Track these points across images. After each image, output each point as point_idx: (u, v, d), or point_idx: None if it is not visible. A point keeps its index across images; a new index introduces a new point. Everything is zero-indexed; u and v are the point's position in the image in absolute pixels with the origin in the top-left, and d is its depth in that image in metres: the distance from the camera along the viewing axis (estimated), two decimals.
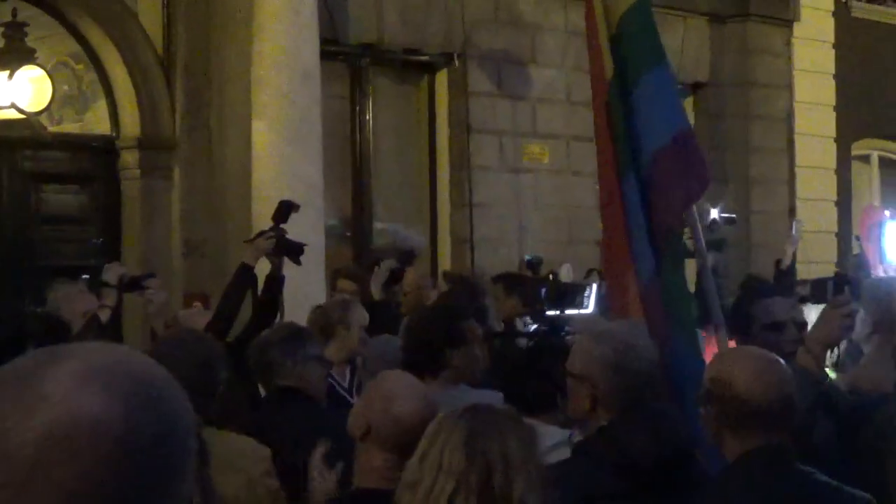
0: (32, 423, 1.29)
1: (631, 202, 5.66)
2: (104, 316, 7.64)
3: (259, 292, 7.39)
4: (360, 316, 7.16)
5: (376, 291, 8.87)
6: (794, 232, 12.65)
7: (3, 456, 1.29)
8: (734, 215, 12.74)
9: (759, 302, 5.23)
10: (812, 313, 6.26)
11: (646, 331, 4.72)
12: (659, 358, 4.48)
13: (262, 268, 7.54)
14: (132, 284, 8.01)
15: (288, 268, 7.67)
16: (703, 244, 5.97)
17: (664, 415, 4.23)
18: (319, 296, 9.39)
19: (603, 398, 4.21)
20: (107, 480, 1.29)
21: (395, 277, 9.16)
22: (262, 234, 7.55)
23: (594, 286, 10.15)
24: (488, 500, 3.07)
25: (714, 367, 3.95)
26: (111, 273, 7.93)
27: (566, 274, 11.75)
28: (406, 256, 10.31)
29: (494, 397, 4.97)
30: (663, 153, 5.64)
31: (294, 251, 7.52)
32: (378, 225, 12.82)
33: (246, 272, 7.39)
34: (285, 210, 7.63)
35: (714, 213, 12.18)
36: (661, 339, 4.97)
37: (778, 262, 12.54)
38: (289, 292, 8.00)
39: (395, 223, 12.03)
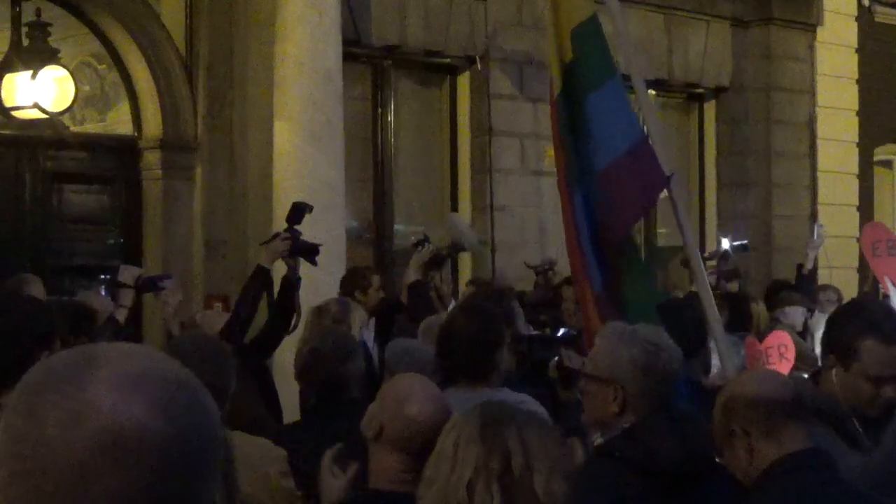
0: (79, 432, 1.31)
1: (579, 216, 5.79)
2: (121, 317, 7.68)
3: (276, 294, 7.41)
4: (360, 316, 7.22)
5: (415, 271, 8.88)
6: (815, 236, 12.61)
7: (52, 464, 1.30)
8: (746, 241, 12.70)
9: (869, 341, 4.26)
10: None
11: (663, 330, 4.70)
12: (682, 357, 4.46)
13: (282, 270, 7.57)
14: (148, 285, 8.04)
15: (309, 269, 7.69)
16: (704, 269, 6.02)
17: (688, 417, 4.21)
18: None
19: (632, 400, 4.19)
20: (152, 485, 1.31)
21: (436, 262, 9.17)
22: (276, 236, 7.57)
23: None
24: (509, 487, 3.05)
25: (722, 394, 3.85)
26: (127, 274, 7.97)
27: None
28: (454, 248, 10.31)
29: (531, 401, 4.99)
30: (615, 167, 5.71)
31: (309, 252, 7.53)
32: (399, 227, 12.83)
33: (262, 274, 7.41)
34: (299, 211, 7.64)
35: (725, 244, 12.16)
36: None
37: (800, 266, 12.50)
38: (310, 294, 8.01)
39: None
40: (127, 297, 7.88)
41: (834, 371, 4.29)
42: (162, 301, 8.15)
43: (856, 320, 4.33)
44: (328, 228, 9.83)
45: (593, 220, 5.86)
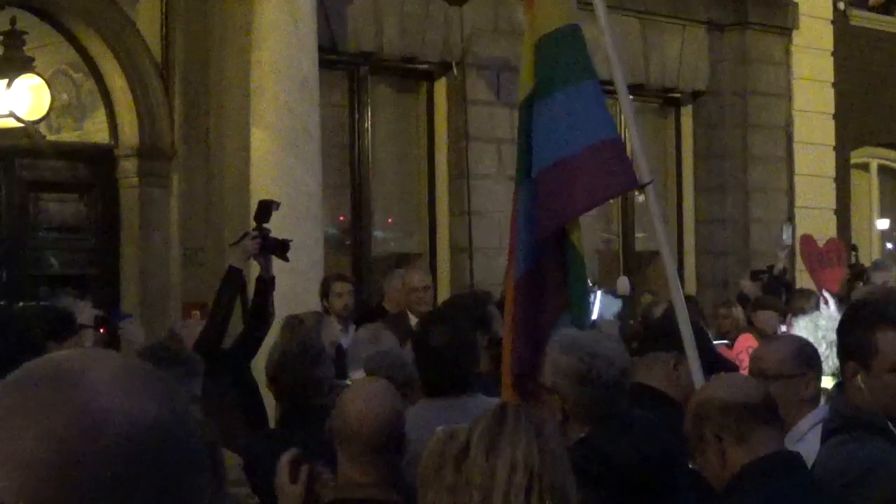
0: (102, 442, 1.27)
1: (522, 201, 5.84)
2: None
3: (251, 296, 7.40)
4: (331, 332, 7.20)
5: None
6: (784, 237, 12.61)
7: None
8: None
9: (885, 332, 4.06)
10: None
11: (613, 338, 4.68)
12: (628, 365, 4.43)
13: (256, 271, 7.56)
14: (106, 324, 8.00)
15: (287, 276, 7.68)
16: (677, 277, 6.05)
17: (643, 422, 4.20)
18: (318, 303, 9.40)
19: (573, 409, 4.17)
20: (139, 475, 1.30)
21: None
22: (245, 235, 7.54)
23: (597, 295, 10.17)
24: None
25: (693, 400, 3.82)
26: (85, 315, 7.95)
27: (623, 287, 11.74)
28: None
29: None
30: (579, 157, 5.73)
31: (280, 249, 7.50)
32: (377, 233, 12.84)
33: (235, 275, 7.39)
34: (266, 209, 7.62)
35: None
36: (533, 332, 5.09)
37: (770, 267, 12.50)
38: (287, 300, 8.01)
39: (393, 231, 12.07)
40: (87, 336, 7.88)
41: (859, 377, 4.04)
42: (126, 340, 8.13)
43: (865, 317, 4.17)
44: (305, 235, 9.84)
45: (534, 205, 5.89)
